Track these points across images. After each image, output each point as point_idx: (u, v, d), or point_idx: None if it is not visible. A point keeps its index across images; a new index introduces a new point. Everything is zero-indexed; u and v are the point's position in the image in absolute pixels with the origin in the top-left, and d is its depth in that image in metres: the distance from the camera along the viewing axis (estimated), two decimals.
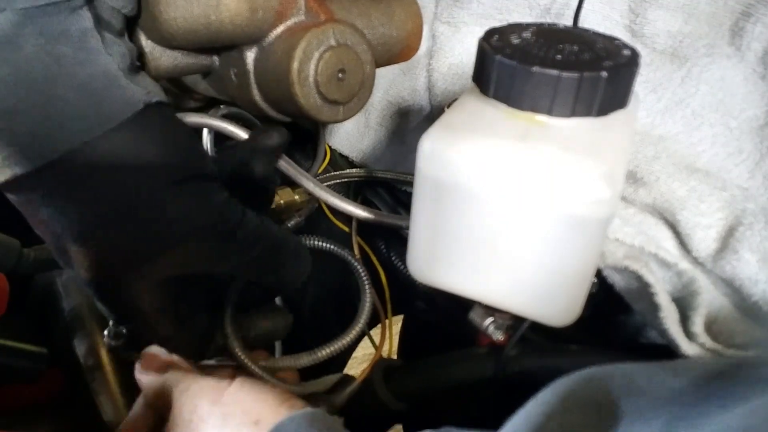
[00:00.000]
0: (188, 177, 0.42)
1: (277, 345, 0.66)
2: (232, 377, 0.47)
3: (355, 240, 0.63)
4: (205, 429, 0.44)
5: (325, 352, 0.52)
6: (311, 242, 0.55)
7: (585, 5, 0.52)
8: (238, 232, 0.44)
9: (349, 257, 0.56)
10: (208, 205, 0.43)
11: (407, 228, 0.43)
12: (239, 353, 0.49)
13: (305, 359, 0.52)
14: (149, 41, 0.50)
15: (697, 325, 0.42)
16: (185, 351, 0.49)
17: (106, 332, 0.48)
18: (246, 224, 0.45)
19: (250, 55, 0.55)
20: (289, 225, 0.62)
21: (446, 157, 0.35)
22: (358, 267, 0.56)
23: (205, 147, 0.56)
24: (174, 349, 0.49)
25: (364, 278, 0.55)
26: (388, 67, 0.70)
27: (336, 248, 0.56)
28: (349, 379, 0.54)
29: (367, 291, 0.55)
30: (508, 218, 0.35)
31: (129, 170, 0.40)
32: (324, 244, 0.55)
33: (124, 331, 0.47)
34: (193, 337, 0.48)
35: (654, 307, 0.43)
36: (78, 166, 0.38)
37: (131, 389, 0.55)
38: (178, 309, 0.45)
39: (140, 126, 0.40)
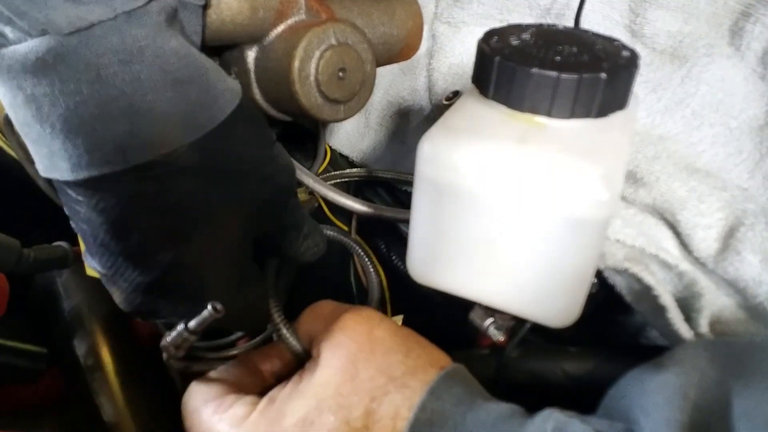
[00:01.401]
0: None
1: None
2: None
3: (355, 238, 0.63)
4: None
5: None
6: (325, 232, 0.55)
7: (585, 5, 0.52)
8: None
9: (356, 247, 0.56)
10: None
11: (407, 222, 0.43)
12: (284, 327, 0.49)
13: None
14: None
15: (702, 327, 0.42)
16: (251, 324, 0.50)
17: (166, 341, 0.44)
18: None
19: (251, 54, 0.55)
20: None
21: (446, 159, 0.35)
22: (365, 257, 0.56)
23: None
24: (240, 325, 0.49)
25: (371, 269, 0.55)
26: (388, 67, 0.70)
27: (345, 239, 0.56)
28: None
29: (376, 281, 0.55)
30: (508, 219, 0.35)
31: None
32: (334, 234, 0.56)
33: (186, 334, 0.45)
34: (256, 311, 0.48)
35: (659, 309, 0.43)
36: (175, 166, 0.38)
37: (131, 389, 0.55)
38: (244, 278, 0.45)
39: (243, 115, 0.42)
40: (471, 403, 0.39)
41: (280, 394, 0.42)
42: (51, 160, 0.36)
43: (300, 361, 0.48)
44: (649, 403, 0.34)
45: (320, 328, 0.45)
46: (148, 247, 0.39)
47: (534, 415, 0.37)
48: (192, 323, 0.41)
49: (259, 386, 0.47)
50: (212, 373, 0.47)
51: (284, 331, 0.48)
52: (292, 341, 0.48)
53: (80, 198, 0.37)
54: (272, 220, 0.47)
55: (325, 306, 0.48)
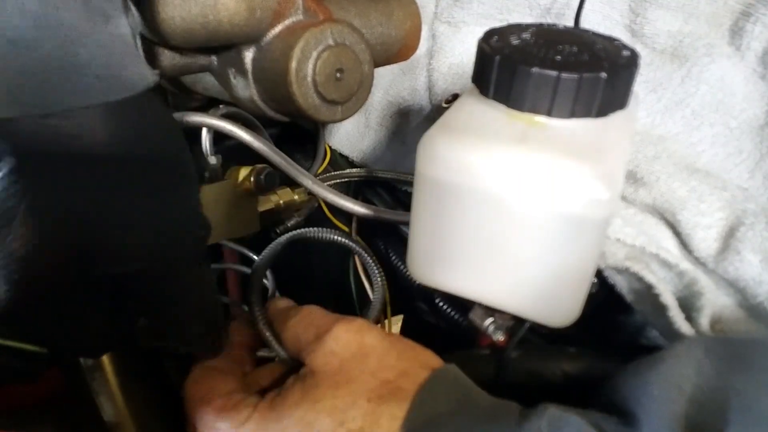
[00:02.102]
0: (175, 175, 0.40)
1: None
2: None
3: (355, 239, 0.63)
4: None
5: None
6: (324, 235, 0.55)
7: (585, 5, 0.52)
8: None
9: (361, 250, 0.56)
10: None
11: (407, 224, 0.43)
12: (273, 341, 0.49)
13: None
14: (148, 41, 0.50)
15: (703, 326, 0.42)
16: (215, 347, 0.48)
17: None
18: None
19: (249, 55, 0.55)
20: (288, 225, 0.62)
21: (446, 159, 0.35)
22: (369, 259, 0.56)
23: (204, 147, 0.55)
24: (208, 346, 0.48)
25: (376, 270, 0.55)
26: (387, 67, 0.70)
27: (348, 242, 0.56)
28: None
29: (380, 282, 0.55)
30: (508, 219, 0.35)
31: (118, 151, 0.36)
32: (337, 237, 0.55)
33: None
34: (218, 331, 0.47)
35: (660, 308, 0.43)
36: (69, 127, 0.34)
37: (131, 389, 0.55)
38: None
39: (141, 106, 0.37)
40: (464, 403, 0.39)
41: (278, 398, 0.42)
42: None
43: (287, 368, 0.48)
44: (645, 395, 0.34)
45: (310, 338, 0.45)
46: None
47: (529, 412, 0.37)
48: None
49: (257, 385, 0.47)
50: (217, 362, 0.47)
51: (273, 343, 0.49)
52: (281, 351, 0.48)
53: None
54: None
55: (315, 314, 0.48)
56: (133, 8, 0.41)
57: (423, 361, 0.43)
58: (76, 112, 0.34)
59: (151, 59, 0.51)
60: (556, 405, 0.37)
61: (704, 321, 0.43)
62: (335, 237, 0.55)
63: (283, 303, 0.52)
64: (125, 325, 0.43)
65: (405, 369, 0.42)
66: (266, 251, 0.54)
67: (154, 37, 0.49)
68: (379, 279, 0.55)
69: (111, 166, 0.36)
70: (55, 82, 0.34)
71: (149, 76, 0.38)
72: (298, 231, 0.55)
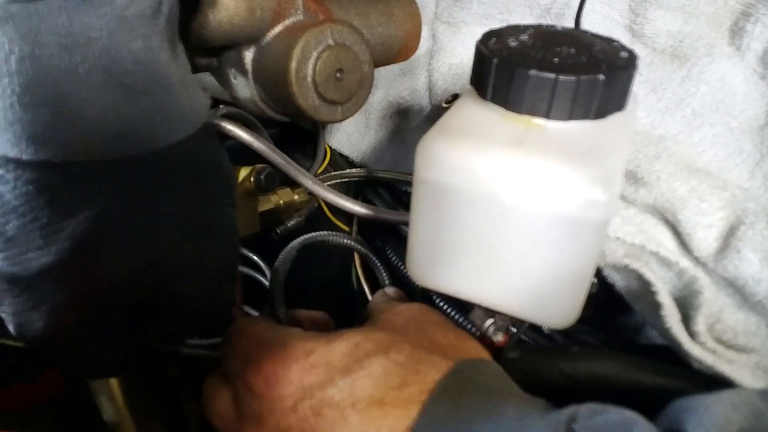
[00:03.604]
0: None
1: None
2: None
3: (358, 239, 0.63)
4: None
5: None
6: (335, 240, 0.55)
7: (585, 5, 0.52)
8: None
9: (369, 253, 0.56)
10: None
11: (407, 224, 0.43)
12: None
13: None
14: None
15: (699, 324, 0.42)
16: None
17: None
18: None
19: (249, 55, 0.55)
20: (288, 225, 0.62)
21: (444, 161, 0.35)
22: (379, 264, 0.56)
23: None
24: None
25: (385, 275, 0.55)
26: (388, 67, 0.70)
27: (360, 247, 0.56)
28: None
29: (387, 283, 0.55)
30: (507, 221, 0.35)
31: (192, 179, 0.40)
32: (349, 242, 0.56)
33: None
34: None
35: (655, 306, 0.43)
36: (154, 166, 0.37)
37: (131, 389, 0.55)
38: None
39: (208, 133, 0.41)
40: (498, 401, 0.39)
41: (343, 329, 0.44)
42: None
43: None
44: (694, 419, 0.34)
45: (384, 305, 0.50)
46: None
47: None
48: None
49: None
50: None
51: None
52: None
53: None
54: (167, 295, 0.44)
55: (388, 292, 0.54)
56: None
57: (470, 348, 0.44)
58: (168, 149, 0.37)
59: None
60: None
61: (701, 320, 0.43)
62: (345, 241, 0.55)
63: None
64: (137, 343, 0.46)
65: (455, 343, 0.44)
66: (282, 256, 0.55)
67: None
68: (386, 281, 0.55)
69: (179, 199, 0.39)
70: (158, 123, 0.36)
71: (207, 100, 0.40)
72: (310, 235, 0.55)
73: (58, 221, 0.34)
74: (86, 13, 0.32)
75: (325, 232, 0.55)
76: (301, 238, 0.55)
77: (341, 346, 0.40)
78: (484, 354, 0.44)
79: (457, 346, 0.43)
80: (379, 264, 0.56)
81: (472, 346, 0.45)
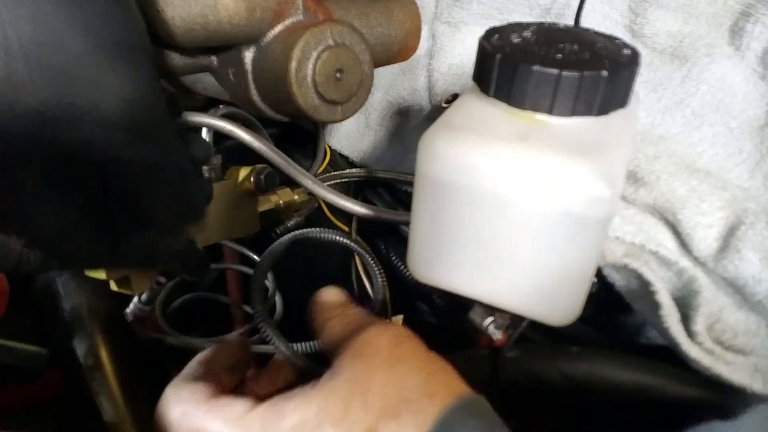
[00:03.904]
0: None
1: None
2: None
3: (355, 239, 0.63)
4: None
5: None
6: (326, 236, 0.55)
7: (585, 5, 0.52)
8: None
9: (362, 251, 0.56)
10: None
11: (407, 224, 0.43)
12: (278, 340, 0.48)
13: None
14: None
15: (698, 324, 0.42)
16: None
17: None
18: None
19: (248, 55, 0.55)
20: (288, 225, 0.62)
21: (446, 157, 0.35)
22: (371, 260, 0.56)
23: None
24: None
25: (377, 271, 0.55)
26: (388, 67, 0.70)
27: (350, 242, 0.56)
28: None
29: (380, 283, 0.55)
30: (508, 217, 0.35)
31: None
32: (339, 238, 0.55)
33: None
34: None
35: (654, 306, 0.43)
36: None
37: (131, 389, 0.55)
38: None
39: None
40: None
41: (284, 396, 0.39)
42: None
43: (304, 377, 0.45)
44: None
45: (343, 337, 0.42)
46: None
47: None
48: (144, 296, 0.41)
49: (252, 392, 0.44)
50: (190, 372, 0.45)
51: (278, 343, 0.47)
52: (284, 349, 0.47)
53: None
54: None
55: (353, 314, 0.45)
56: None
57: (452, 387, 0.39)
58: None
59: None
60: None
61: (700, 319, 0.43)
62: (336, 237, 0.55)
63: (331, 296, 0.47)
64: (113, 240, 0.41)
65: (431, 391, 0.37)
66: (269, 251, 0.54)
67: (154, 38, 0.49)
68: (379, 279, 0.55)
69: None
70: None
71: None
72: (300, 231, 0.55)
73: None
74: None
75: (317, 229, 0.54)
76: (291, 234, 0.55)
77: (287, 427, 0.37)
78: (463, 390, 0.40)
79: (434, 395, 0.37)
80: (372, 262, 0.56)
81: (450, 386, 0.39)
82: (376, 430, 0.35)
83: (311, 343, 0.51)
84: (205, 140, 0.48)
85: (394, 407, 0.36)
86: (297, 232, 0.54)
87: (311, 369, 0.46)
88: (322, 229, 0.55)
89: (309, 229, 0.55)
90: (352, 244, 0.55)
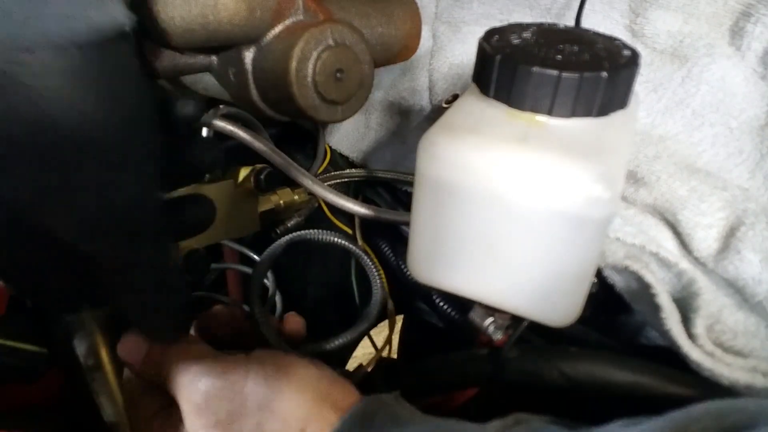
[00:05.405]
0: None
1: None
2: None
3: (360, 239, 0.63)
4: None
5: (341, 341, 0.52)
6: (323, 237, 0.55)
7: (586, 5, 0.52)
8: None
9: (360, 252, 0.56)
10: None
11: (407, 224, 0.43)
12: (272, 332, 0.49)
13: (322, 347, 0.52)
14: (148, 41, 0.50)
15: (698, 327, 0.42)
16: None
17: None
18: None
19: (249, 55, 0.55)
20: (288, 225, 0.62)
21: (446, 158, 0.35)
22: (369, 261, 0.56)
23: None
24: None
25: (375, 272, 0.55)
26: (388, 67, 0.70)
27: (347, 244, 0.56)
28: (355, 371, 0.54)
29: (379, 284, 0.55)
30: (508, 218, 0.35)
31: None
32: (336, 239, 0.55)
33: None
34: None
35: (655, 308, 0.43)
36: (22, 74, 0.30)
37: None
38: None
39: (107, 55, 0.33)
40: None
41: None
42: None
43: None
44: None
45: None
46: None
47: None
48: None
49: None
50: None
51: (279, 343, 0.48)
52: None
53: None
54: None
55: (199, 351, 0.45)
56: None
57: (338, 401, 0.41)
58: (37, 53, 0.30)
59: (151, 60, 0.51)
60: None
61: (700, 322, 0.43)
62: (334, 239, 0.55)
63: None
64: (96, 288, 0.41)
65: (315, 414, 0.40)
66: (267, 252, 0.54)
67: (154, 38, 0.49)
68: (378, 280, 0.55)
69: (62, 126, 0.32)
70: (17, 18, 0.30)
71: (121, 18, 0.33)
72: (298, 233, 0.55)
73: None
74: None
75: (314, 230, 0.55)
76: (288, 236, 0.55)
77: None
78: (351, 400, 0.41)
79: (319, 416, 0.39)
80: (371, 263, 0.56)
81: (335, 400, 0.41)
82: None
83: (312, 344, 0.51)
84: (218, 149, 0.48)
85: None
86: (294, 234, 0.54)
87: None
88: (319, 230, 0.55)
89: (306, 231, 0.55)
90: (350, 245, 0.55)
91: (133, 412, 0.46)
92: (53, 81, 0.31)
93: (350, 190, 0.69)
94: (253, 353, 0.42)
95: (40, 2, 0.30)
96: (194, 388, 0.40)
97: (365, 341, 0.61)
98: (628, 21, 0.55)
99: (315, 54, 0.52)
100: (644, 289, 0.43)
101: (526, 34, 0.37)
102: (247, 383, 0.40)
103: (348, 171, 0.69)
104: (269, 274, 0.65)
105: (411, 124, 0.71)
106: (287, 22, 0.54)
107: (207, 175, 0.56)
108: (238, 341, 0.51)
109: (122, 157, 0.36)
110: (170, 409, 0.43)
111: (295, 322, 0.54)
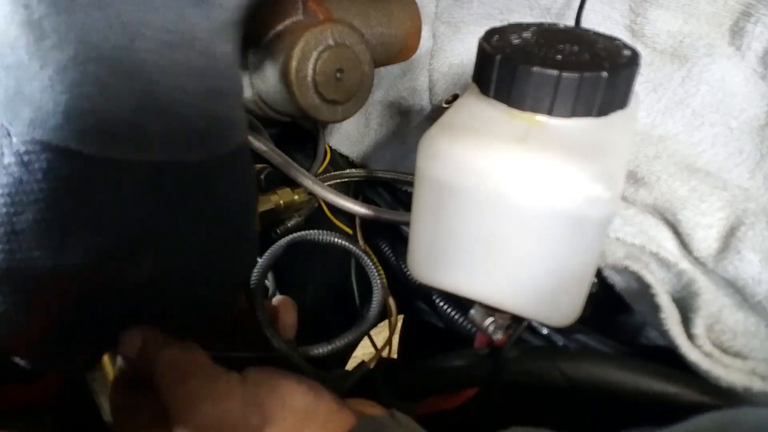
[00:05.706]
0: None
1: None
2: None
3: (360, 240, 0.63)
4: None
5: (342, 342, 0.52)
6: (324, 238, 0.55)
7: (586, 5, 0.52)
8: None
9: (360, 252, 0.56)
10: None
11: (407, 224, 0.43)
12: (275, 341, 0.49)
13: (324, 349, 0.52)
14: None
15: (698, 327, 0.42)
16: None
17: None
18: None
19: (249, 55, 0.55)
20: (288, 225, 0.62)
21: (446, 158, 0.35)
22: (369, 262, 0.56)
23: None
24: None
25: (375, 273, 0.55)
26: (388, 67, 0.70)
27: (348, 244, 0.56)
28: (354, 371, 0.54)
29: (380, 284, 0.55)
30: (508, 218, 0.35)
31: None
32: (336, 240, 0.55)
33: None
34: None
35: (655, 308, 0.43)
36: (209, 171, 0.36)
37: None
38: None
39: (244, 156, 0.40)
40: None
41: None
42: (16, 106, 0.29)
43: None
44: None
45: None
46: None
47: None
48: None
49: None
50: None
51: (285, 351, 0.48)
52: (296, 361, 0.48)
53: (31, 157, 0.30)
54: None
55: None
56: None
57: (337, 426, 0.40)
58: (220, 159, 0.36)
59: None
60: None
61: (700, 322, 0.43)
62: (334, 239, 0.55)
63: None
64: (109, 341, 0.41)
65: None
66: (267, 253, 0.54)
67: None
68: (378, 280, 0.55)
69: (215, 212, 0.38)
70: (229, 127, 0.36)
71: (245, 125, 0.40)
72: (298, 234, 0.55)
73: (87, 221, 0.31)
74: (197, 14, 0.31)
75: (314, 231, 0.55)
76: (287, 237, 0.55)
77: None
78: (348, 422, 0.40)
79: None
80: (371, 264, 0.56)
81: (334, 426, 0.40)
82: None
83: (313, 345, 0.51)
84: None
85: None
86: (294, 234, 0.54)
87: (312, 372, 0.46)
88: (318, 230, 0.55)
89: (306, 231, 0.55)
90: (351, 245, 0.55)
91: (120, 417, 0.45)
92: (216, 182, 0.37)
93: (350, 190, 0.69)
94: (249, 374, 0.40)
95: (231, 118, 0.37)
96: (188, 415, 0.39)
97: (365, 341, 0.61)
98: (628, 21, 0.55)
99: (315, 54, 0.52)
100: (644, 289, 0.43)
101: (526, 34, 0.37)
102: (243, 412, 0.39)
103: (348, 171, 0.69)
104: (269, 275, 0.65)
105: (411, 124, 0.71)
106: (287, 22, 0.54)
107: None
108: (237, 339, 0.50)
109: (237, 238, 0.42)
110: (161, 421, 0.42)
111: (290, 316, 0.53)
